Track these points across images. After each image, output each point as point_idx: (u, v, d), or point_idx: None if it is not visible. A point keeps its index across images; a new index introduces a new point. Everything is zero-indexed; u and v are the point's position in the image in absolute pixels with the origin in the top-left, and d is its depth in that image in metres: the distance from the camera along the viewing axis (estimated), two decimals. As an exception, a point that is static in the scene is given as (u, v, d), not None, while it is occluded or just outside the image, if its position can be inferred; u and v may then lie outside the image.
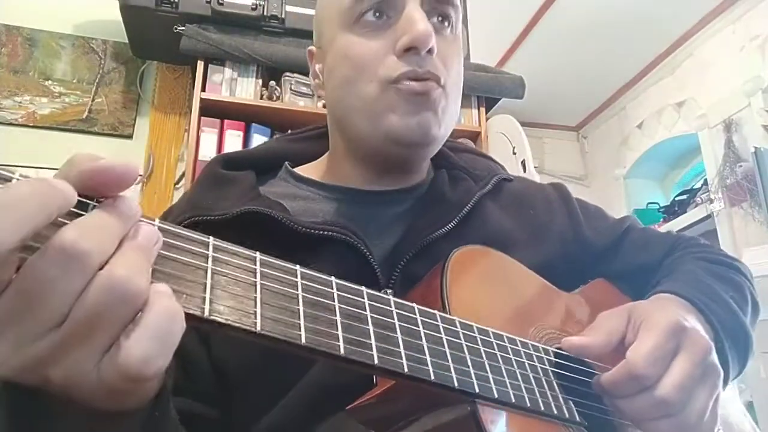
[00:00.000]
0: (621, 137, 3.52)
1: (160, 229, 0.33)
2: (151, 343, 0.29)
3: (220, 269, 0.34)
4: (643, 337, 0.51)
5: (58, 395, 0.32)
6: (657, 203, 3.30)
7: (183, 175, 2.16)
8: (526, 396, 0.47)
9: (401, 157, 0.65)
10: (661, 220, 3.15)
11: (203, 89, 1.91)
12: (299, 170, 0.71)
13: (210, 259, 0.34)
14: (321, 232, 0.58)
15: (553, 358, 0.53)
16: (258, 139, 1.94)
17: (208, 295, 0.32)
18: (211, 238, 0.35)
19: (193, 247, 0.34)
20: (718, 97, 2.77)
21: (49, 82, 2.22)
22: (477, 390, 0.43)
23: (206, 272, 0.33)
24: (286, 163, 0.72)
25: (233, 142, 1.92)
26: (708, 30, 2.87)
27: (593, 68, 3.22)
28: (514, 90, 2.15)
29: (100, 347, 0.29)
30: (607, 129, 3.69)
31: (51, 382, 0.29)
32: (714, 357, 0.53)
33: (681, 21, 2.88)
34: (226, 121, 1.93)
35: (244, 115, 1.94)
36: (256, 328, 0.33)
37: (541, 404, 0.47)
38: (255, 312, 0.34)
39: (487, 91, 2.12)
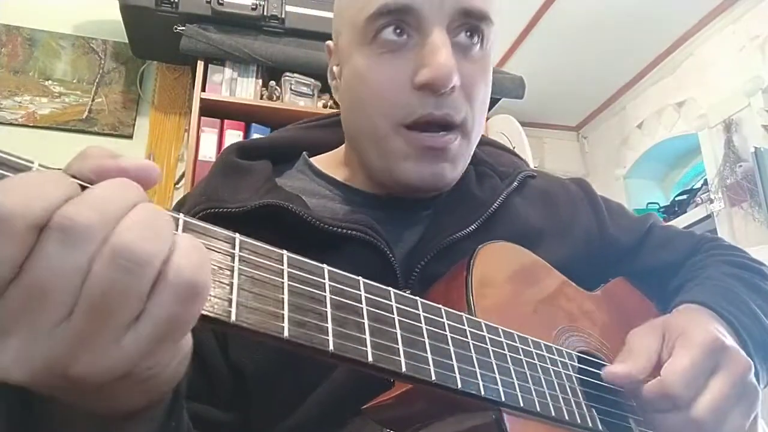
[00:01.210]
0: (621, 137, 3.52)
1: (185, 225, 0.31)
2: (177, 304, 0.27)
3: (246, 269, 0.32)
4: (679, 354, 0.49)
5: (68, 403, 0.30)
6: (657, 203, 3.30)
7: (183, 175, 2.16)
8: (551, 404, 0.46)
9: (411, 196, 0.63)
10: (661, 220, 3.15)
11: (203, 89, 1.91)
12: (318, 162, 0.68)
13: (236, 259, 0.32)
14: (344, 230, 0.56)
15: (576, 364, 0.52)
16: (258, 139, 1.94)
17: (234, 298, 0.31)
18: (237, 234, 0.33)
19: (218, 246, 0.32)
20: (718, 97, 2.77)
21: (49, 82, 2.22)
22: (503, 398, 0.42)
23: (232, 272, 0.31)
24: (304, 153, 0.69)
25: (233, 142, 1.92)
26: (708, 30, 2.87)
27: (593, 68, 3.22)
28: (514, 90, 2.15)
29: (122, 324, 0.26)
30: (607, 129, 3.69)
31: (73, 380, 0.26)
32: (752, 377, 0.51)
33: (681, 21, 2.88)
34: (226, 121, 1.93)
35: (244, 115, 1.94)
36: (283, 334, 0.32)
37: (566, 413, 0.47)
38: (283, 315, 0.32)
39: (487, 91, 2.12)
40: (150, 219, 0.27)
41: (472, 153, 0.63)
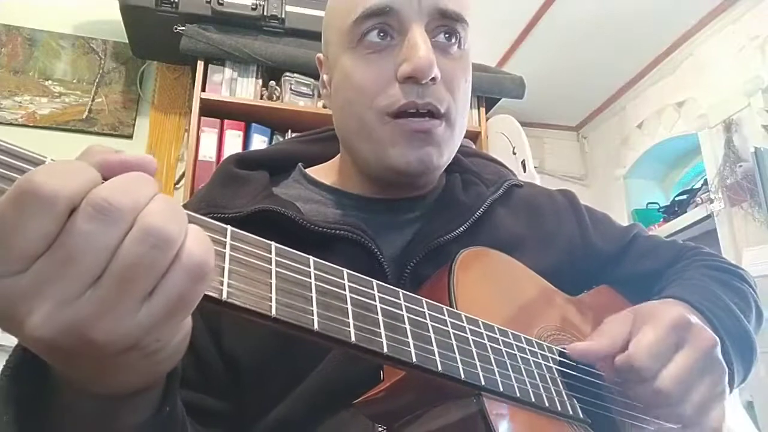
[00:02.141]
0: (621, 137, 3.52)
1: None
2: (187, 282, 0.30)
3: (237, 255, 0.35)
4: (646, 331, 0.52)
5: (74, 381, 0.34)
6: (657, 203, 3.29)
7: (183, 175, 2.16)
8: (530, 390, 0.47)
9: (404, 183, 0.66)
10: (661, 220, 3.15)
11: (203, 89, 1.91)
12: (312, 172, 0.72)
13: (228, 246, 0.34)
14: (333, 231, 0.59)
15: (557, 357, 0.54)
16: (258, 139, 1.94)
17: (226, 279, 0.33)
18: (229, 226, 0.36)
19: (211, 234, 0.34)
20: (718, 97, 2.77)
21: (49, 82, 2.22)
22: (483, 382, 0.44)
23: (224, 257, 0.34)
24: (300, 164, 0.73)
25: (233, 142, 1.92)
26: (708, 30, 2.87)
27: (593, 68, 3.22)
28: (514, 90, 2.15)
29: (140, 296, 0.29)
30: (607, 129, 3.69)
31: (91, 343, 0.28)
32: (718, 352, 0.53)
33: (681, 21, 2.88)
34: (226, 121, 1.93)
35: (244, 115, 1.94)
36: (271, 312, 0.34)
37: (546, 399, 0.48)
38: (270, 297, 0.34)
39: (487, 91, 2.12)
40: (171, 206, 0.30)
41: (457, 145, 0.66)
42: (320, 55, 0.72)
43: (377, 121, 0.60)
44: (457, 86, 0.63)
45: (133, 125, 2.28)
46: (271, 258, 0.36)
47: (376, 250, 0.60)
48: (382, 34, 0.61)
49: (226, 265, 0.34)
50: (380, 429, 0.51)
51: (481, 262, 0.58)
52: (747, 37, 2.67)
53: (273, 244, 0.37)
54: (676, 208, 3.05)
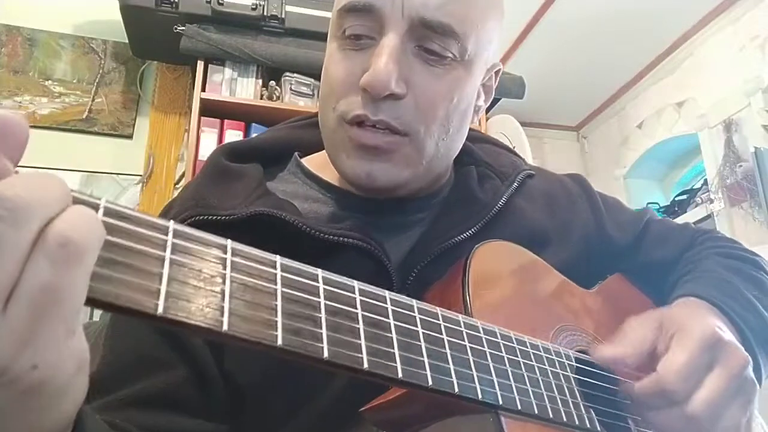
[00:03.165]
0: (621, 137, 3.52)
1: (175, 233, 0.30)
2: (50, 268, 0.23)
3: (238, 276, 0.31)
4: (676, 350, 0.49)
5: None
6: (657, 203, 3.29)
7: (183, 175, 2.16)
8: (548, 406, 0.46)
9: (367, 195, 0.60)
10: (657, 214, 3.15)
11: (203, 89, 1.91)
12: (309, 163, 0.67)
13: (228, 265, 0.31)
14: (339, 238, 0.55)
15: (574, 364, 0.52)
16: (258, 139, 1.94)
17: (227, 306, 0.30)
18: (229, 241, 0.32)
19: (209, 253, 0.31)
20: (718, 97, 2.77)
21: (49, 82, 2.22)
22: (501, 401, 0.42)
23: (224, 280, 0.30)
24: (296, 154, 0.68)
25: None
26: (708, 30, 2.87)
27: (593, 68, 3.22)
28: (514, 90, 2.15)
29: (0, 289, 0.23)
30: (607, 129, 3.69)
31: (19, 381, 0.23)
32: (750, 372, 0.51)
33: (681, 21, 2.88)
34: (226, 121, 1.93)
35: (244, 115, 1.94)
36: (276, 342, 0.31)
37: (564, 414, 0.47)
38: (276, 323, 0.31)
39: (487, 91, 2.12)
40: (32, 177, 0.24)
41: (433, 168, 0.60)
42: None
43: (336, 124, 0.57)
44: (435, 105, 0.55)
45: (133, 125, 2.27)
46: (276, 275, 0.33)
47: (382, 256, 0.56)
48: (361, 33, 0.56)
49: (227, 289, 0.30)
50: None
51: (496, 257, 0.55)
52: (747, 37, 2.67)
53: (278, 259, 0.34)
54: (676, 208, 3.05)
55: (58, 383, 0.25)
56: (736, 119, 2.66)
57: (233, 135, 1.93)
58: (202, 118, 1.91)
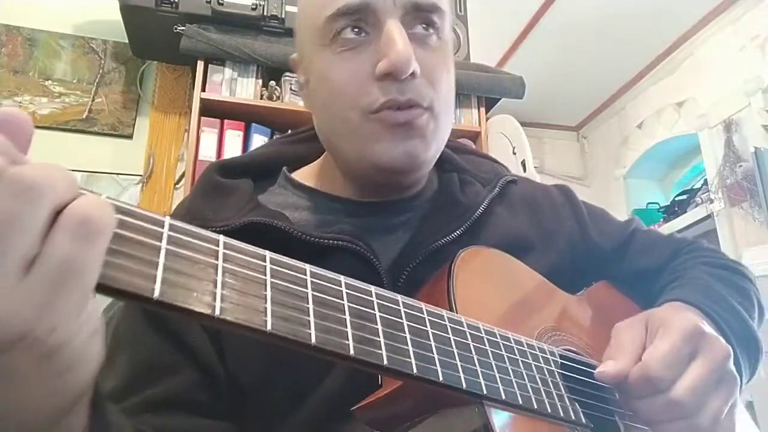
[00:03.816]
0: (621, 137, 3.52)
1: (171, 227, 0.32)
2: (70, 243, 0.26)
3: (230, 267, 0.33)
4: (660, 341, 0.51)
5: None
6: (657, 203, 3.30)
7: (183, 175, 2.16)
8: (533, 397, 0.46)
9: (390, 182, 0.63)
10: (661, 220, 3.15)
11: (203, 89, 1.91)
12: (297, 175, 0.70)
13: (221, 256, 0.33)
14: (328, 241, 0.57)
15: (558, 360, 0.53)
16: (258, 139, 1.94)
17: (219, 292, 0.31)
18: (221, 236, 0.34)
19: (203, 245, 0.33)
20: (718, 97, 2.77)
21: (49, 82, 2.22)
22: (485, 391, 0.43)
23: (216, 269, 0.32)
24: (284, 168, 0.70)
25: (233, 142, 1.92)
26: (708, 30, 2.87)
27: (593, 68, 3.22)
28: (514, 90, 2.15)
29: (19, 261, 0.25)
30: (607, 129, 3.69)
31: (39, 343, 0.25)
32: (731, 364, 0.53)
33: (681, 21, 2.88)
34: (226, 121, 1.93)
35: (244, 115, 1.94)
36: (266, 327, 0.32)
37: (548, 406, 0.47)
38: (266, 310, 0.33)
39: (487, 91, 2.12)
40: (51, 165, 0.27)
41: (444, 139, 0.63)
42: (294, 56, 0.69)
43: (360, 118, 0.58)
44: (439, 78, 0.60)
45: (133, 125, 2.27)
46: (265, 267, 0.35)
47: (373, 259, 0.58)
48: (356, 30, 0.58)
49: (219, 278, 0.32)
50: None
51: (480, 262, 0.57)
52: (747, 37, 2.67)
53: (268, 253, 0.36)
54: (676, 208, 3.05)
55: (74, 347, 0.27)
56: (736, 119, 2.66)
57: (233, 135, 1.93)
58: (202, 118, 1.91)
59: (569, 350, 0.56)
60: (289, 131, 2.05)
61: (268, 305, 0.33)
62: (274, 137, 1.90)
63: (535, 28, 2.91)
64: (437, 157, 0.64)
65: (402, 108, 0.57)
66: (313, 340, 0.34)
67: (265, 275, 0.34)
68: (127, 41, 2.17)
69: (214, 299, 0.31)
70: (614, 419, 0.55)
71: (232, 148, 1.90)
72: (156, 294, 0.29)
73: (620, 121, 3.55)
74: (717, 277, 0.69)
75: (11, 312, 0.24)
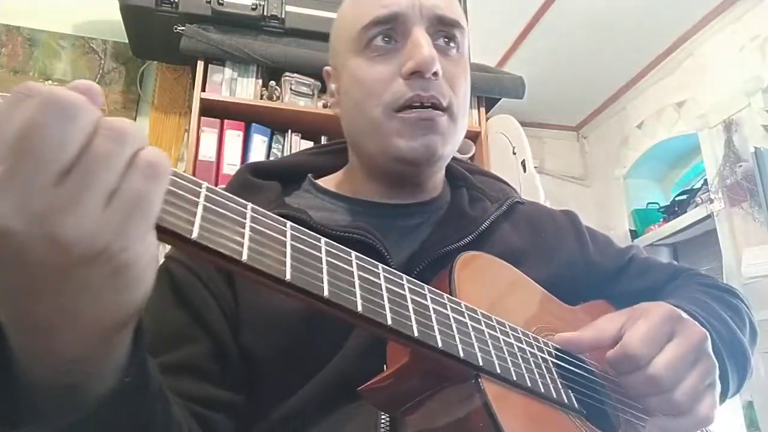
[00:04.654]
0: (621, 137, 3.52)
1: (207, 188, 0.36)
2: (143, 181, 0.31)
3: (256, 226, 0.38)
4: (640, 322, 0.54)
5: (33, 345, 0.33)
6: (657, 203, 3.30)
7: (183, 175, 2.16)
8: (526, 376, 0.49)
9: (410, 175, 0.70)
10: (661, 220, 3.15)
11: (203, 89, 1.91)
12: (322, 182, 0.76)
13: (248, 217, 0.38)
14: (344, 234, 0.62)
15: (552, 350, 0.55)
16: (258, 139, 1.94)
17: (246, 243, 0.36)
18: (250, 203, 0.39)
19: (233, 206, 0.38)
20: (718, 97, 2.77)
21: (49, 82, 2.22)
22: (480, 363, 0.45)
23: (244, 226, 0.37)
24: (309, 175, 0.77)
25: (233, 142, 1.92)
26: (708, 30, 2.87)
27: (593, 68, 3.22)
28: (514, 90, 2.15)
29: (104, 192, 0.30)
30: (607, 129, 3.69)
31: (60, 241, 0.29)
32: (708, 346, 0.56)
33: (681, 21, 2.88)
34: (226, 121, 1.93)
35: (244, 115, 1.94)
36: (285, 277, 0.37)
37: (541, 386, 0.50)
38: (285, 263, 0.37)
39: (487, 91, 2.12)
40: (128, 120, 0.33)
41: (459, 140, 0.71)
42: (328, 68, 0.77)
43: (384, 116, 0.65)
44: (459, 84, 0.68)
45: (133, 125, 2.28)
46: (286, 232, 0.39)
47: (385, 253, 0.62)
48: (386, 39, 0.66)
49: (247, 232, 0.36)
50: (383, 417, 0.54)
51: (479, 265, 0.60)
52: (747, 37, 2.67)
53: (289, 223, 0.40)
54: (676, 208, 3.05)
55: (138, 267, 0.32)
56: (736, 119, 2.66)
57: (233, 135, 1.93)
58: (202, 118, 1.91)
59: (555, 342, 0.58)
60: (290, 132, 2.06)
61: (288, 260, 0.37)
62: (290, 136, 1.93)
63: (535, 28, 2.91)
64: (452, 155, 0.72)
65: (424, 105, 0.64)
66: (326, 293, 0.38)
67: (286, 238, 0.39)
68: (127, 41, 2.17)
69: (242, 247, 0.36)
70: (604, 408, 0.56)
71: (232, 148, 1.90)
72: (194, 235, 0.34)
73: (620, 121, 3.55)
74: (710, 294, 0.73)
75: (96, 232, 0.29)
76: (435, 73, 0.64)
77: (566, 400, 0.52)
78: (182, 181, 0.35)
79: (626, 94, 3.45)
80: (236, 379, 0.60)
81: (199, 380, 0.57)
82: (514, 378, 0.47)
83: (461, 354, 0.44)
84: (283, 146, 1.98)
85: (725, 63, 2.78)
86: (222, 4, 1.89)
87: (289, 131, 1.98)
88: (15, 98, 0.29)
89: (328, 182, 0.76)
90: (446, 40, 0.68)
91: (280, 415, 0.59)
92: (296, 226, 0.41)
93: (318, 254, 0.40)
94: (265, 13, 1.94)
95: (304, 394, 0.58)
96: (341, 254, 0.42)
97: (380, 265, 0.45)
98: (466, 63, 0.71)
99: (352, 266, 0.42)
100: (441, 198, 0.75)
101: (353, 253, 0.43)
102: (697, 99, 2.93)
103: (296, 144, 1.97)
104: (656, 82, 3.24)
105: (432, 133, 0.65)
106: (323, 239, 0.42)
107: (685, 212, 2.95)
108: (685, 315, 0.57)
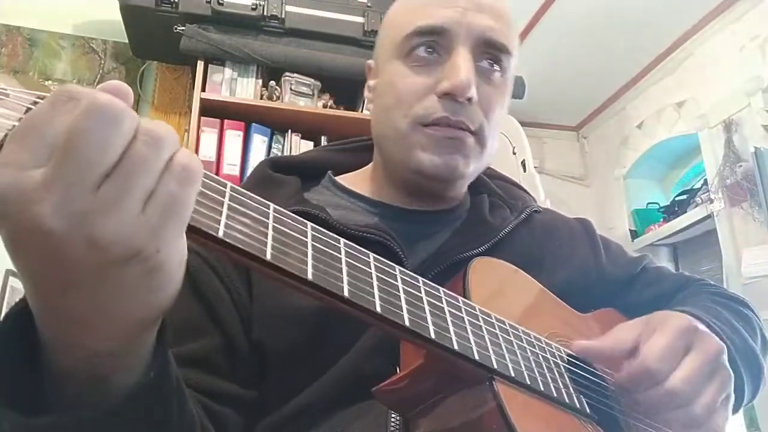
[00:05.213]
0: (621, 137, 3.52)
1: (232, 188, 0.38)
2: (177, 185, 0.32)
3: (279, 227, 0.39)
4: (657, 337, 0.54)
5: (65, 335, 0.34)
6: (657, 203, 3.29)
7: (183, 175, 2.16)
8: (539, 379, 0.49)
9: (429, 188, 0.69)
10: (661, 220, 3.15)
11: (203, 89, 1.91)
12: (341, 179, 0.76)
13: (270, 217, 0.39)
14: (362, 233, 0.62)
15: (565, 356, 0.55)
16: (258, 139, 1.94)
17: (269, 242, 0.37)
18: (272, 204, 0.40)
19: (257, 205, 0.39)
20: (718, 97, 2.77)
21: (49, 82, 2.22)
22: (495, 365, 0.45)
23: (267, 227, 0.38)
24: (329, 172, 0.77)
25: (233, 142, 1.92)
26: (708, 30, 2.87)
27: (593, 68, 3.22)
28: (514, 90, 2.14)
29: (142, 196, 0.31)
30: (607, 129, 3.69)
31: (98, 241, 0.29)
32: (724, 359, 0.56)
33: (681, 21, 2.88)
34: (226, 121, 1.93)
35: (244, 115, 1.94)
36: (307, 276, 0.37)
37: (553, 390, 0.50)
38: (307, 262, 0.38)
39: (487, 90, 2.12)
40: (163, 123, 0.34)
41: (485, 163, 0.71)
42: (371, 62, 0.77)
43: (410, 128, 0.65)
44: (493, 110, 0.67)
45: (133, 125, 2.27)
46: (307, 233, 0.40)
47: (402, 255, 0.62)
48: (429, 50, 0.66)
49: (270, 232, 0.38)
50: (393, 417, 0.54)
51: (493, 270, 0.61)
52: (747, 36, 2.67)
53: (309, 223, 0.41)
54: (676, 208, 3.05)
55: (171, 267, 0.33)
56: (736, 119, 2.66)
57: (233, 135, 1.93)
58: (202, 118, 1.91)
59: (572, 350, 0.58)
60: (290, 132, 2.04)
61: (309, 259, 0.38)
62: (291, 136, 1.93)
63: (535, 28, 2.91)
64: (476, 175, 0.72)
65: (451, 125, 0.64)
66: (346, 293, 0.39)
67: (307, 238, 0.40)
68: (127, 41, 2.17)
69: (266, 246, 0.37)
70: (616, 415, 0.56)
71: (232, 148, 1.90)
72: (220, 234, 0.35)
73: (620, 121, 3.54)
74: (721, 304, 0.73)
75: (132, 234, 0.30)
76: (470, 99, 0.63)
77: (578, 405, 0.52)
78: (209, 182, 0.37)
79: (626, 94, 3.45)
80: (246, 373, 0.60)
81: (209, 374, 0.57)
82: (528, 381, 0.48)
83: (476, 356, 0.44)
84: (283, 146, 1.97)
85: (725, 63, 2.78)
86: (222, 4, 1.89)
87: (289, 131, 1.98)
88: (56, 101, 0.29)
89: (348, 180, 0.76)
90: (490, 62, 0.67)
91: (290, 411, 0.59)
92: (316, 226, 0.41)
93: (338, 255, 0.41)
94: (265, 13, 1.94)
95: (314, 390, 0.59)
96: (360, 255, 0.43)
97: (397, 267, 0.45)
98: (507, 86, 0.70)
99: (370, 267, 0.42)
100: (461, 207, 0.75)
101: (371, 254, 0.43)
102: (697, 99, 2.93)
103: (296, 144, 1.97)
104: (656, 82, 3.24)
105: (456, 152, 0.65)
106: (342, 240, 0.42)
107: (685, 212, 2.95)
108: (701, 326, 0.57)
